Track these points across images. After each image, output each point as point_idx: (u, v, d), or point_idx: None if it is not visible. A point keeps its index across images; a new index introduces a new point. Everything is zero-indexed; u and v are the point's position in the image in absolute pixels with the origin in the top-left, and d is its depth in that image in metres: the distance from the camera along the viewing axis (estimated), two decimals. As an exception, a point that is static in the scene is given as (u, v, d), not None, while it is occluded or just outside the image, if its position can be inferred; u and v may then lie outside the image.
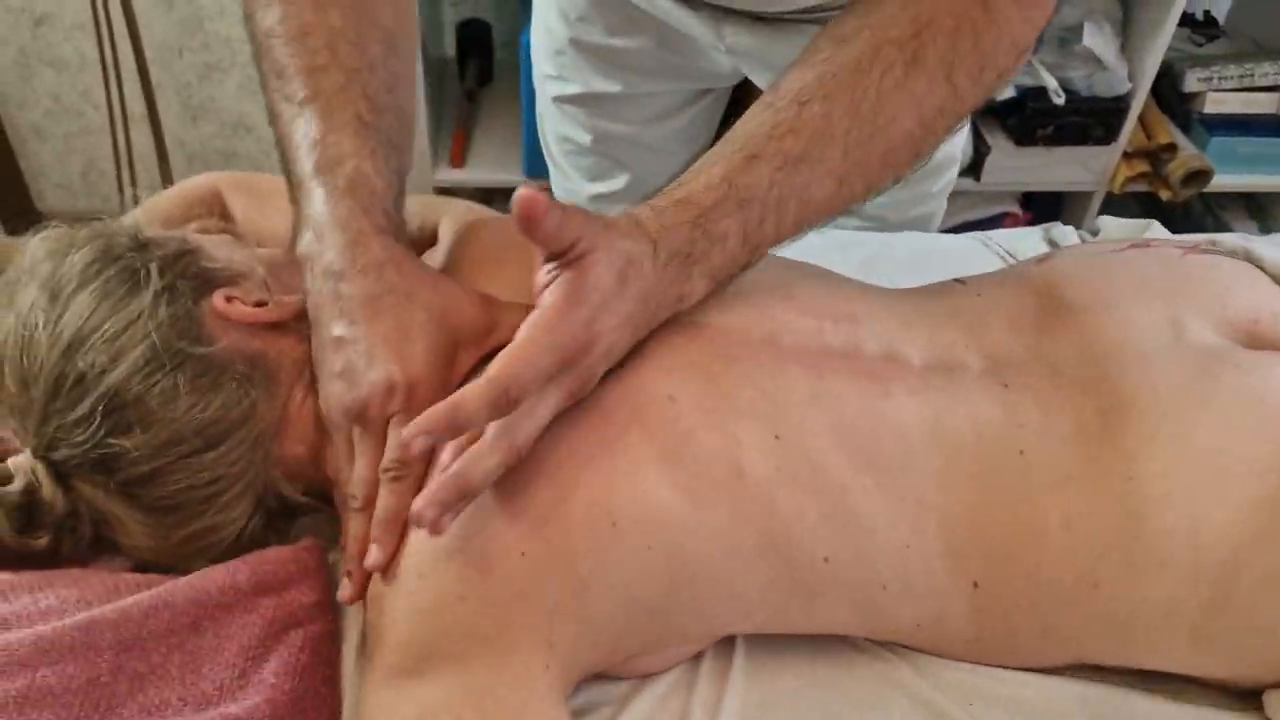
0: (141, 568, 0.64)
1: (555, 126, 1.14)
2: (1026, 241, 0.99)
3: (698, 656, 0.63)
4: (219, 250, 0.66)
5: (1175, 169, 1.77)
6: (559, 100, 1.10)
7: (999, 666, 0.63)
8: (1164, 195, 1.82)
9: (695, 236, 0.57)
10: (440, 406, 0.51)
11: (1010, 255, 0.95)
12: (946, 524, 0.59)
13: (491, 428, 0.53)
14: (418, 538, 0.55)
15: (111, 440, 0.58)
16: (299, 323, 0.63)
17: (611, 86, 1.05)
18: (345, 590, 0.58)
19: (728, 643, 0.64)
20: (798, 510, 0.57)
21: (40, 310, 0.60)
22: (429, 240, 0.75)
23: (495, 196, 1.72)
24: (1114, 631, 0.60)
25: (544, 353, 0.52)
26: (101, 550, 0.63)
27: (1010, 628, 0.61)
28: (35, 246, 0.64)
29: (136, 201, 0.79)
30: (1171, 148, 1.79)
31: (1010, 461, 0.60)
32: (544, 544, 0.54)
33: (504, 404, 0.51)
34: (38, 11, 1.82)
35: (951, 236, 1.05)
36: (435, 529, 0.51)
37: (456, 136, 1.75)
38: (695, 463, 0.56)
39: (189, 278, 0.62)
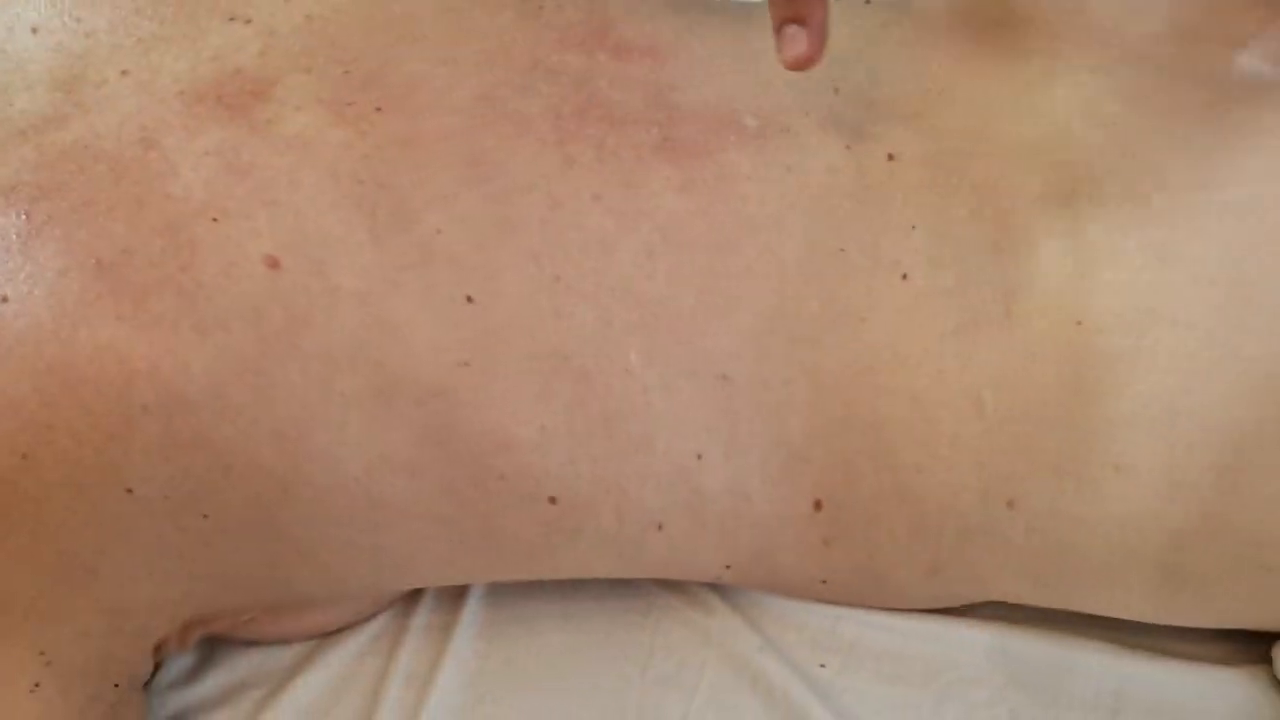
0: None
1: None
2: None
3: (414, 603, 0.42)
4: None
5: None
6: None
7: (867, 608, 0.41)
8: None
9: None
10: None
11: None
12: (768, 407, 0.36)
13: None
14: None
15: None
16: None
17: None
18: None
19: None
20: (493, 420, 0.34)
21: None
22: None
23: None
24: (1044, 562, 0.37)
25: None
26: None
27: (877, 567, 0.38)
28: None
29: None
30: None
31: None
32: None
33: None
34: None
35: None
36: None
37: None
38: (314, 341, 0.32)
39: None
